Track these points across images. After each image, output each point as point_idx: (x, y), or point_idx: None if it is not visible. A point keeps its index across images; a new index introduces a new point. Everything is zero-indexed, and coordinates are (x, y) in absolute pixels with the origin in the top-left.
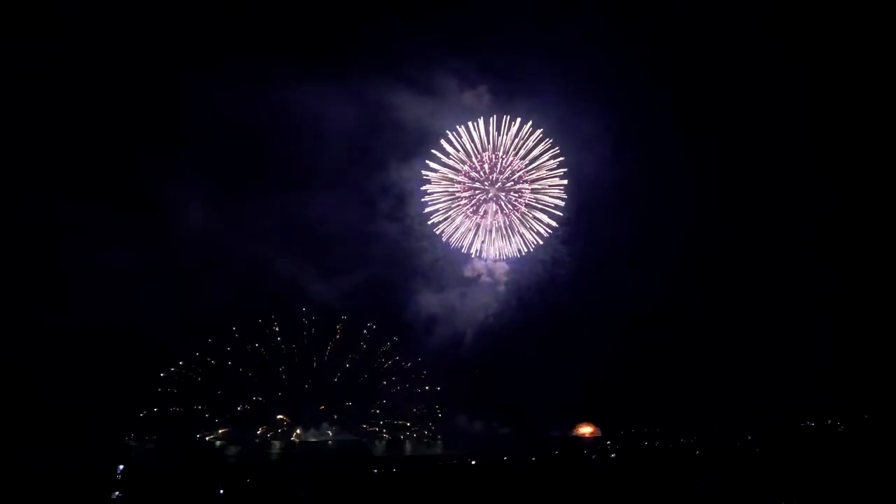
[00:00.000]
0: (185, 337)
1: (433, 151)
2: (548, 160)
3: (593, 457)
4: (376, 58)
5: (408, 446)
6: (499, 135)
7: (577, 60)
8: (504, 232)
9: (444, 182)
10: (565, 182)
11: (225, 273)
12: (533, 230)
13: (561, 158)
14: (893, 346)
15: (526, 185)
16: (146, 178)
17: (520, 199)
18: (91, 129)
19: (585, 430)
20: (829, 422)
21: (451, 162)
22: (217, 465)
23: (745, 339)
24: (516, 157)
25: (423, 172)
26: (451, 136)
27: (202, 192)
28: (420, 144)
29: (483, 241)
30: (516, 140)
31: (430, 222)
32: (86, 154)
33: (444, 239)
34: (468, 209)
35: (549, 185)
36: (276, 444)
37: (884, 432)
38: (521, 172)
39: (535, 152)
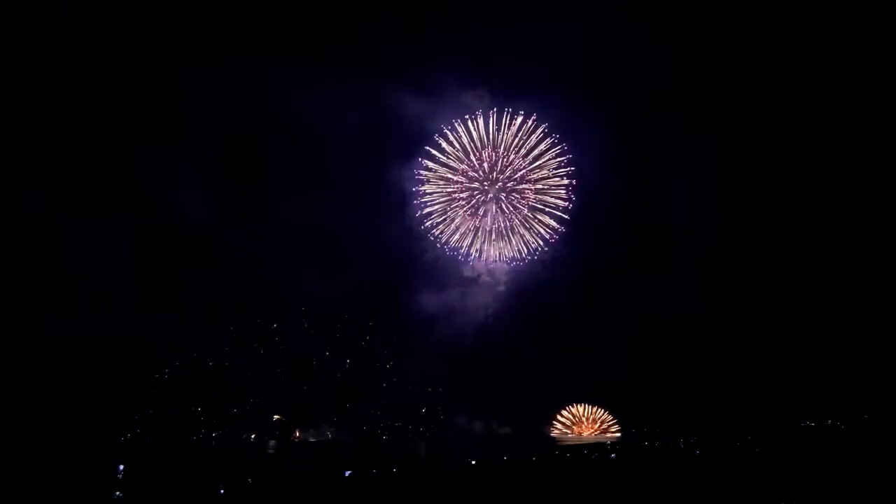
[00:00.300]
0: (181, 337)
1: (431, 150)
2: (550, 159)
3: (594, 456)
4: (375, 56)
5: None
6: (499, 131)
7: (579, 57)
8: (504, 234)
9: (441, 182)
10: (570, 182)
11: (223, 272)
12: (534, 231)
13: (568, 156)
14: (894, 345)
15: (527, 186)
16: (144, 176)
17: (521, 201)
18: (87, 128)
19: (585, 430)
20: (829, 422)
21: (449, 161)
22: (217, 465)
23: (745, 338)
24: (517, 156)
25: (421, 172)
26: (449, 134)
27: (200, 191)
28: (420, 143)
29: (483, 243)
30: (516, 139)
31: (427, 224)
32: (83, 153)
33: (442, 240)
34: (467, 211)
35: (553, 186)
36: (272, 443)
37: (884, 432)
38: (522, 172)
39: (536, 151)
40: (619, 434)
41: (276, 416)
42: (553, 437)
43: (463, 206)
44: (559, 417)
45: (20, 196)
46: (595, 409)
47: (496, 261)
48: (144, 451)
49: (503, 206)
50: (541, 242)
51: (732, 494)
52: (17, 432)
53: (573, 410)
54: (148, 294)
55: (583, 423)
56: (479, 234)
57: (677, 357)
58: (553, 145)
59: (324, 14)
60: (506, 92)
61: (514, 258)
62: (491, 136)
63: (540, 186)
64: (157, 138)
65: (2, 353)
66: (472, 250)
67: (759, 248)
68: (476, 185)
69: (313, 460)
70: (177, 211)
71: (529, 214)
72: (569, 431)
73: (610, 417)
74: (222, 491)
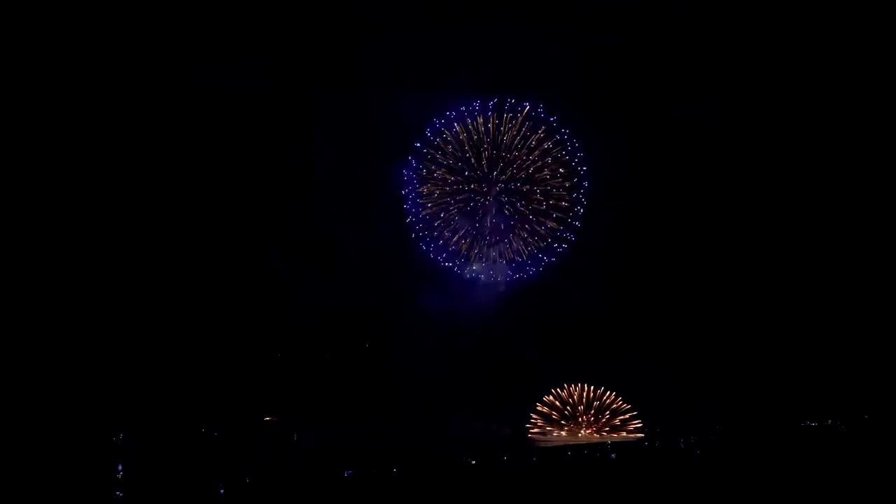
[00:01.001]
0: (180, 336)
1: (427, 149)
2: (554, 158)
3: (596, 455)
4: (374, 53)
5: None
6: (500, 128)
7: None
8: (505, 236)
9: (439, 182)
10: (575, 181)
11: (220, 272)
12: (536, 233)
13: (579, 154)
14: (894, 345)
15: (530, 186)
16: (142, 176)
17: (524, 203)
18: (85, 127)
19: (582, 428)
20: (830, 422)
21: (447, 160)
22: (217, 465)
23: (745, 338)
24: (519, 154)
25: (416, 172)
26: (447, 132)
27: (198, 190)
28: (416, 140)
29: (483, 245)
30: (518, 137)
31: (426, 225)
32: (81, 152)
33: (441, 241)
34: (466, 212)
35: (558, 186)
36: (269, 443)
37: (884, 432)
38: (524, 172)
39: (539, 151)
40: (641, 436)
41: (266, 417)
42: (530, 439)
43: (462, 207)
44: (539, 408)
45: (19, 195)
46: (605, 392)
47: (496, 262)
48: (144, 451)
49: (504, 207)
50: (542, 245)
51: (732, 494)
52: (16, 432)
53: (563, 394)
54: (143, 292)
55: (580, 415)
56: (480, 236)
57: (676, 356)
58: (558, 143)
59: (320, 10)
60: (507, 85)
61: (514, 260)
62: (491, 133)
63: (544, 188)
64: (152, 136)
65: (1, 352)
66: (472, 252)
67: (759, 247)
68: (475, 185)
69: (313, 460)
70: (172, 208)
71: (532, 217)
72: (553, 430)
73: (626, 406)
74: (222, 491)
